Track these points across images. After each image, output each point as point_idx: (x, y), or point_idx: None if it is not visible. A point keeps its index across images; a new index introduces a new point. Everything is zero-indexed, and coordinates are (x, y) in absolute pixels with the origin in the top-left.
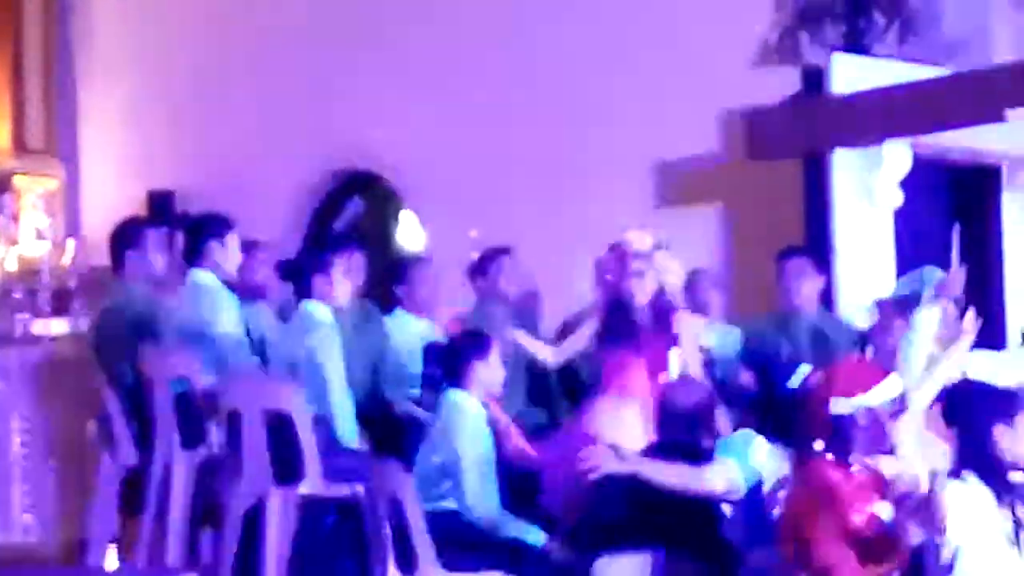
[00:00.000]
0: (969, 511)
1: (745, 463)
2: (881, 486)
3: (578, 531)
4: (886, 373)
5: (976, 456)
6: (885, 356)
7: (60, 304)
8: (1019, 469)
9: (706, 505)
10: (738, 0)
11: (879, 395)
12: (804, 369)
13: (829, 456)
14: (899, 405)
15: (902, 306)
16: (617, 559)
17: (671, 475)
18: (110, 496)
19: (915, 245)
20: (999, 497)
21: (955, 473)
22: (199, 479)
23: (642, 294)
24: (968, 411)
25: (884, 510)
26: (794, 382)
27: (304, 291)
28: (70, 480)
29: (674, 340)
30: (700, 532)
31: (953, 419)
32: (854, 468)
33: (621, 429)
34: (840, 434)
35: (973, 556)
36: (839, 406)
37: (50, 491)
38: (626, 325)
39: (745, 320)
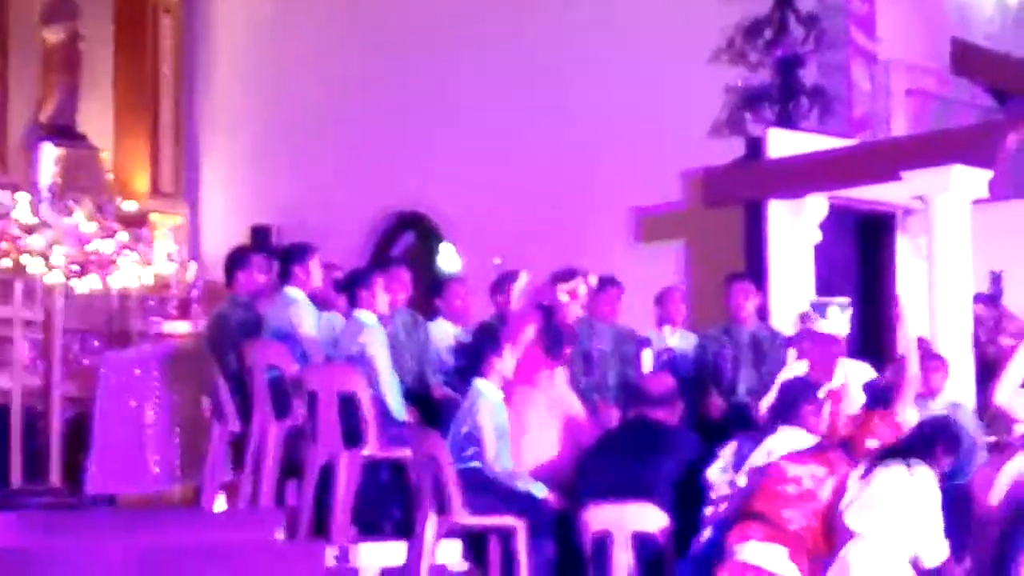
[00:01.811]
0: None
1: None
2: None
3: (574, 485)
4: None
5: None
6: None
7: (183, 311)
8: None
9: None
10: (697, 86)
11: None
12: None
13: None
14: None
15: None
16: (603, 507)
17: None
18: (220, 456)
19: (829, 272)
20: None
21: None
22: (287, 443)
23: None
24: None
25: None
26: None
27: (353, 301)
28: (189, 444)
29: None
30: (677, 492)
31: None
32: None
33: None
34: None
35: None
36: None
37: (175, 452)
38: None
39: (701, 328)
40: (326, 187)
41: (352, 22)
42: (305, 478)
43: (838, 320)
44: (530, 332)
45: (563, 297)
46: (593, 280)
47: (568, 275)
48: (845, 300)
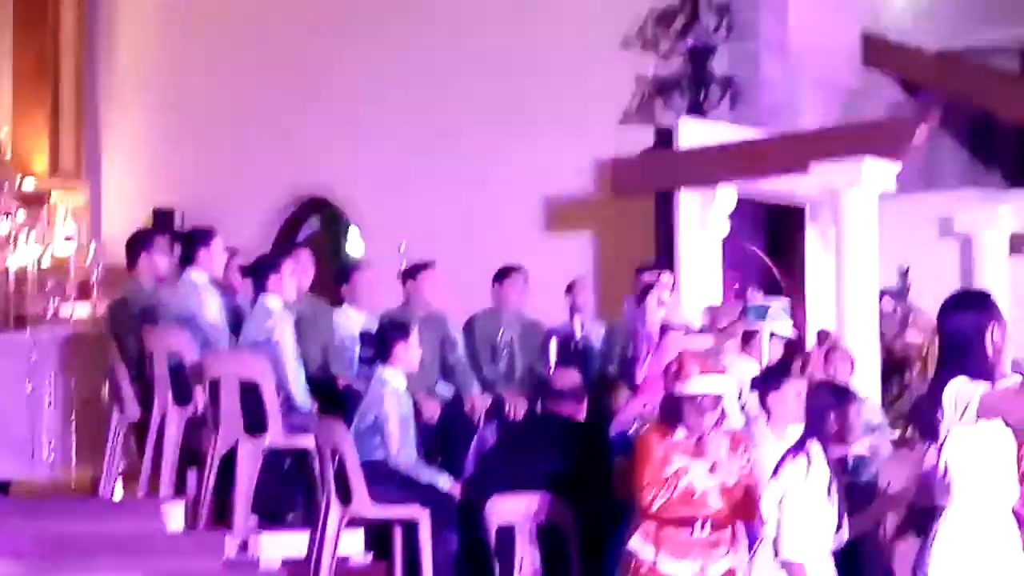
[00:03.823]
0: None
1: None
2: (702, 451)
3: (478, 477)
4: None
5: (817, 432)
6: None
7: (83, 293)
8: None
9: (600, 459)
10: (608, 75)
11: (704, 385)
12: None
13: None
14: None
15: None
16: (508, 499)
17: None
18: (118, 443)
19: (737, 263)
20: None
21: (801, 444)
22: (187, 431)
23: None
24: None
25: (699, 470)
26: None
27: (261, 286)
28: (87, 430)
29: None
30: (581, 483)
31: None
32: (677, 435)
33: None
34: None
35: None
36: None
37: (71, 438)
38: None
39: (610, 318)
40: (230, 171)
41: (257, 1)
42: (206, 467)
43: (782, 321)
44: None
45: None
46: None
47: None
48: (784, 301)
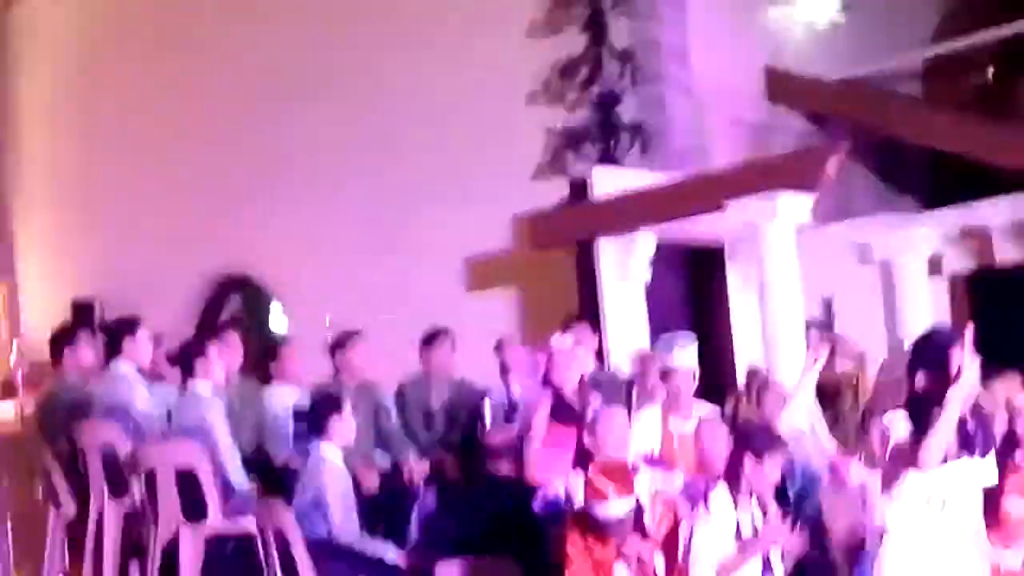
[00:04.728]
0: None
1: None
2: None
3: (423, 542)
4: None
5: (731, 474)
6: (646, 395)
7: (8, 392)
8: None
9: (531, 520)
10: (518, 130)
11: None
12: None
13: None
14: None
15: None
16: (452, 562)
17: None
18: (57, 542)
19: (662, 308)
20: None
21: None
22: (126, 523)
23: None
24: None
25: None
26: None
27: (188, 372)
28: (23, 534)
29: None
30: (524, 543)
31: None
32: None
33: None
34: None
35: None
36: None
37: (6, 544)
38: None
39: None
40: (146, 257)
41: (167, 82)
42: (148, 559)
43: (687, 355)
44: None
45: None
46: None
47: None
48: (690, 335)
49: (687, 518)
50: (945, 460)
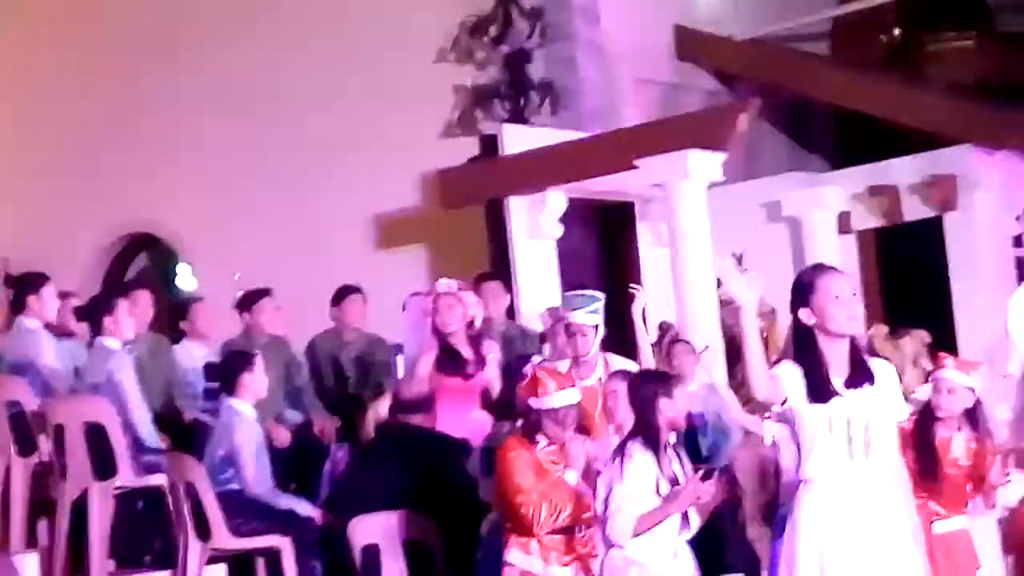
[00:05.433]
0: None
1: None
2: (567, 458)
3: (336, 498)
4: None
5: (643, 426)
6: (556, 351)
7: None
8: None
9: (455, 468)
10: (427, 88)
11: (562, 399)
12: None
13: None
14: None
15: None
16: (367, 518)
17: None
18: None
19: (572, 264)
20: (656, 456)
21: (622, 445)
22: (34, 480)
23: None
24: (639, 391)
25: (569, 476)
26: None
27: (97, 328)
28: None
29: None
30: (438, 497)
31: (631, 400)
32: (540, 444)
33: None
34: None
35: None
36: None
37: None
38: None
39: None
40: (53, 214)
41: (70, 30)
42: (57, 515)
43: (588, 312)
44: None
45: None
46: None
47: None
48: (592, 292)
49: (604, 472)
50: (833, 394)
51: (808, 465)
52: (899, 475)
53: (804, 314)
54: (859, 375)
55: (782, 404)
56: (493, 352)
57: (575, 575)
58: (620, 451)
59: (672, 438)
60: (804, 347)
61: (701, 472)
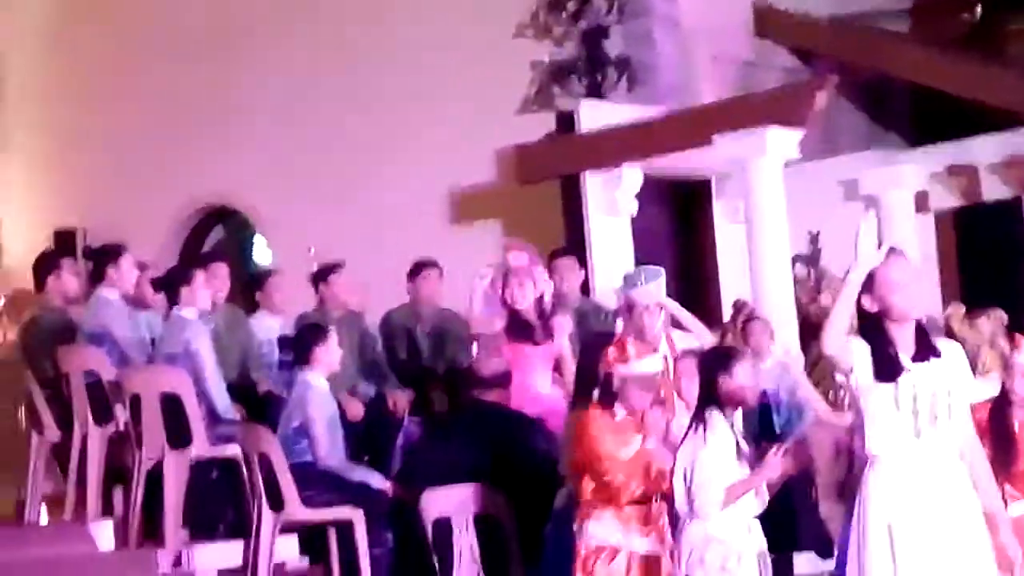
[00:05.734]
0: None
1: None
2: (646, 428)
3: (408, 471)
4: (653, 350)
5: (710, 398)
6: (630, 327)
7: None
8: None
9: (529, 444)
10: (505, 63)
11: (649, 364)
12: None
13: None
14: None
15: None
16: (439, 491)
17: None
18: (40, 467)
19: (648, 242)
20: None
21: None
22: (110, 449)
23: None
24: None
25: (650, 443)
26: None
27: (174, 299)
28: (6, 457)
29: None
30: (510, 472)
31: (700, 375)
32: (619, 414)
33: None
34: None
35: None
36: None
37: None
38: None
39: None
40: (131, 186)
41: (150, 10)
42: (132, 484)
43: (651, 288)
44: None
45: None
46: None
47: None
48: (656, 269)
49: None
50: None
51: (874, 442)
52: (975, 455)
53: (866, 301)
54: (925, 349)
55: (848, 375)
56: (566, 325)
57: (653, 546)
58: (700, 419)
59: (738, 415)
60: (871, 329)
61: (780, 447)
